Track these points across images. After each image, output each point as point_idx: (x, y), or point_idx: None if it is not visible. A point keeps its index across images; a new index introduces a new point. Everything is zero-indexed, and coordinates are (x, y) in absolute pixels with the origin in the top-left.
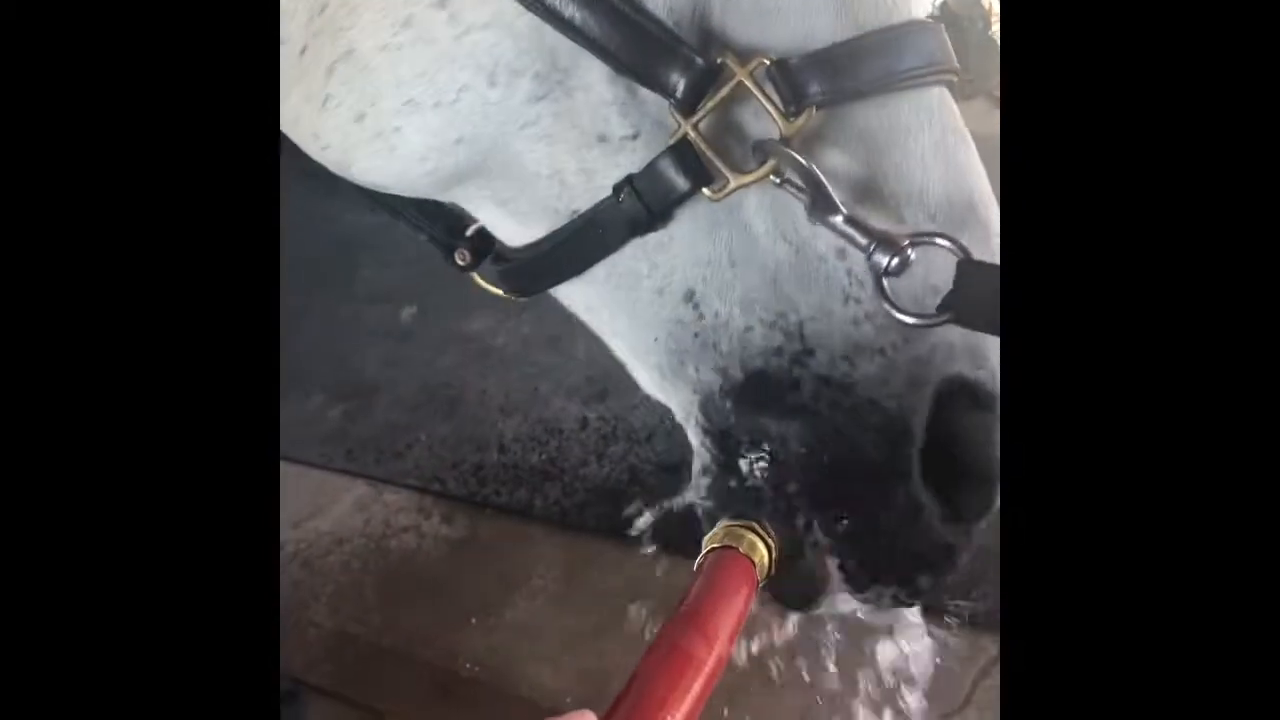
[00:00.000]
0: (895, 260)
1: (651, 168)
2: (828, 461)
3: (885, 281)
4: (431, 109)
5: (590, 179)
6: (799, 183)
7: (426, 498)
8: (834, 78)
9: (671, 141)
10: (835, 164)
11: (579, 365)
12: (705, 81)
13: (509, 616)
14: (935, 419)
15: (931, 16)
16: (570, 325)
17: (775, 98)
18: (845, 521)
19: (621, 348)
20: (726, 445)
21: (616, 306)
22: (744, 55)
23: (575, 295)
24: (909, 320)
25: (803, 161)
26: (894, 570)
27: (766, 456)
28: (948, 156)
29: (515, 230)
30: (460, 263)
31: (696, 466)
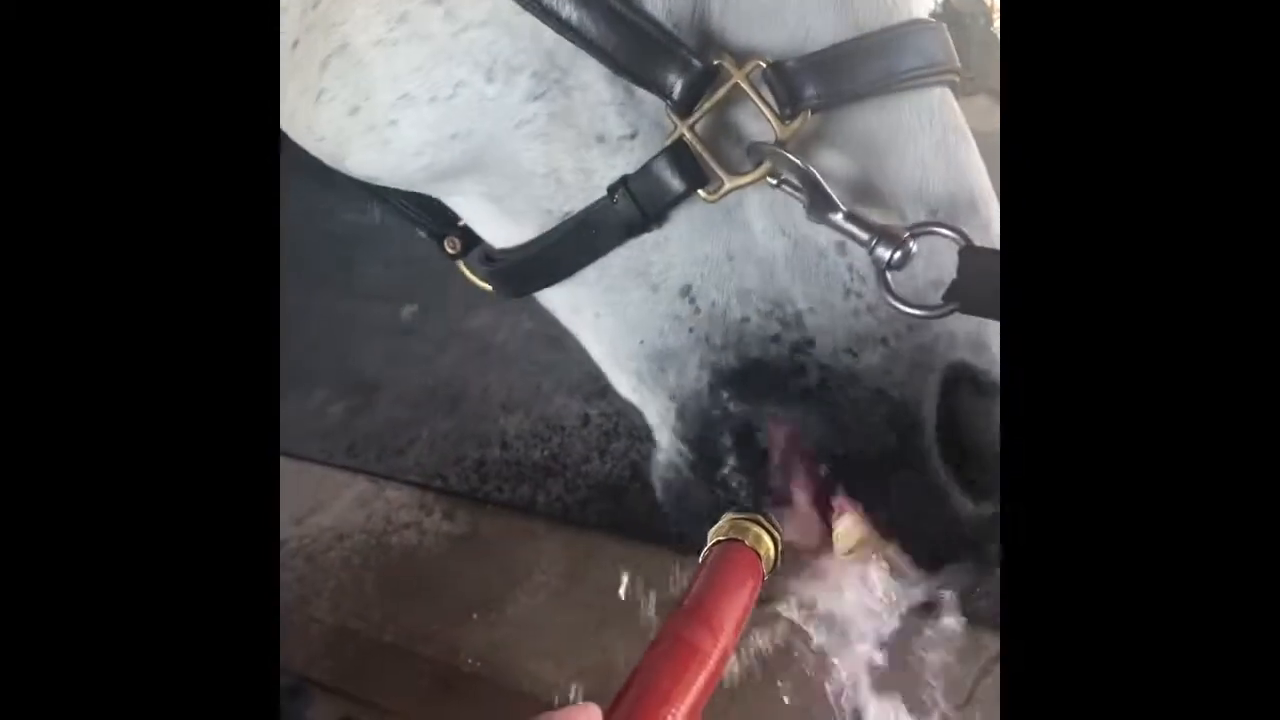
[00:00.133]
0: (897, 254)
1: (647, 169)
2: (843, 453)
3: (889, 275)
4: (427, 104)
5: (587, 179)
6: (796, 183)
7: (428, 494)
8: (831, 80)
9: (667, 143)
10: (834, 164)
11: (581, 362)
12: (702, 83)
13: (511, 612)
14: (941, 406)
15: (934, 14)
16: None
17: (771, 100)
18: (885, 507)
19: (601, 353)
20: (703, 455)
21: (606, 308)
22: (742, 57)
23: (561, 297)
24: (915, 312)
25: (799, 164)
26: (946, 550)
27: (751, 453)
28: (949, 156)
29: (507, 229)
30: (450, 250)
31: (660, 462)
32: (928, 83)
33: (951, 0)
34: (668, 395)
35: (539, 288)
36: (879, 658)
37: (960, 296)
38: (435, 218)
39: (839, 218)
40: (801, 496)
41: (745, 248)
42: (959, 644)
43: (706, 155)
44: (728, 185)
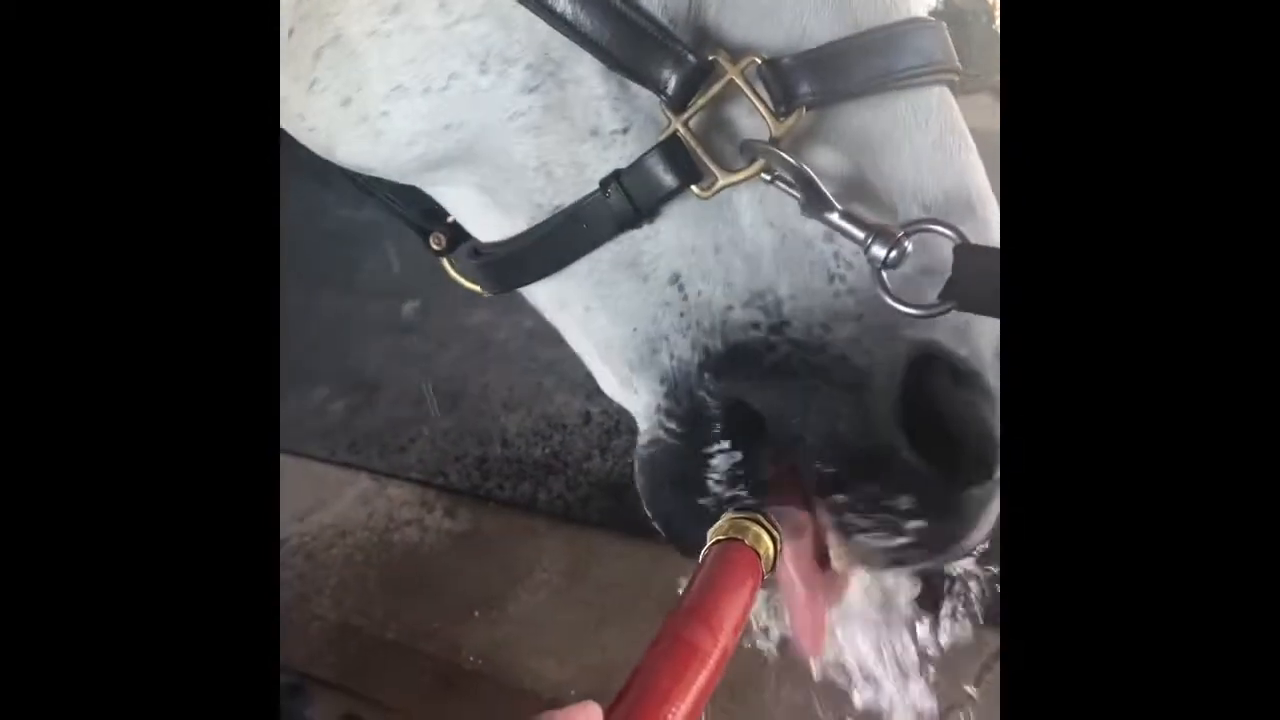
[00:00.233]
0: (893, 252)
1: (640, 164)
2: (803, 415)
3: (884, 274)
4: (420, 95)
5: (579, 173)
6: (790, 180)
7: (430, 491)
8: (826, 78)
9: (661, 138)
10: (828, 162)
11: (581, 360)
12: (696, 79)
13: (512, 610)
14: (916, 391)
15: (935, 11)
16: None
17: (766, 97)
18: (830, 471)
19: (590, 347)
20: (694, 429)
21: (596, 301)
22: (738, 53)
23: (548, 293)
24: (913, 312)
25: (792, 162)
26: (889, 529)
27: (741, 426)
28: (946, 157)
29: (496, 222)
30: (435, 246)
31: (641, 441)
32: (926, 82)
33: None
34: (658, 379)
35: (528, 281)
36: (880, 656)
37: (957, 295)
38: (422, 212)
39: (834, 216)
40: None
41: (733, 240)
42: (960, 640)
43: (700, 151)
44: (721, 182)
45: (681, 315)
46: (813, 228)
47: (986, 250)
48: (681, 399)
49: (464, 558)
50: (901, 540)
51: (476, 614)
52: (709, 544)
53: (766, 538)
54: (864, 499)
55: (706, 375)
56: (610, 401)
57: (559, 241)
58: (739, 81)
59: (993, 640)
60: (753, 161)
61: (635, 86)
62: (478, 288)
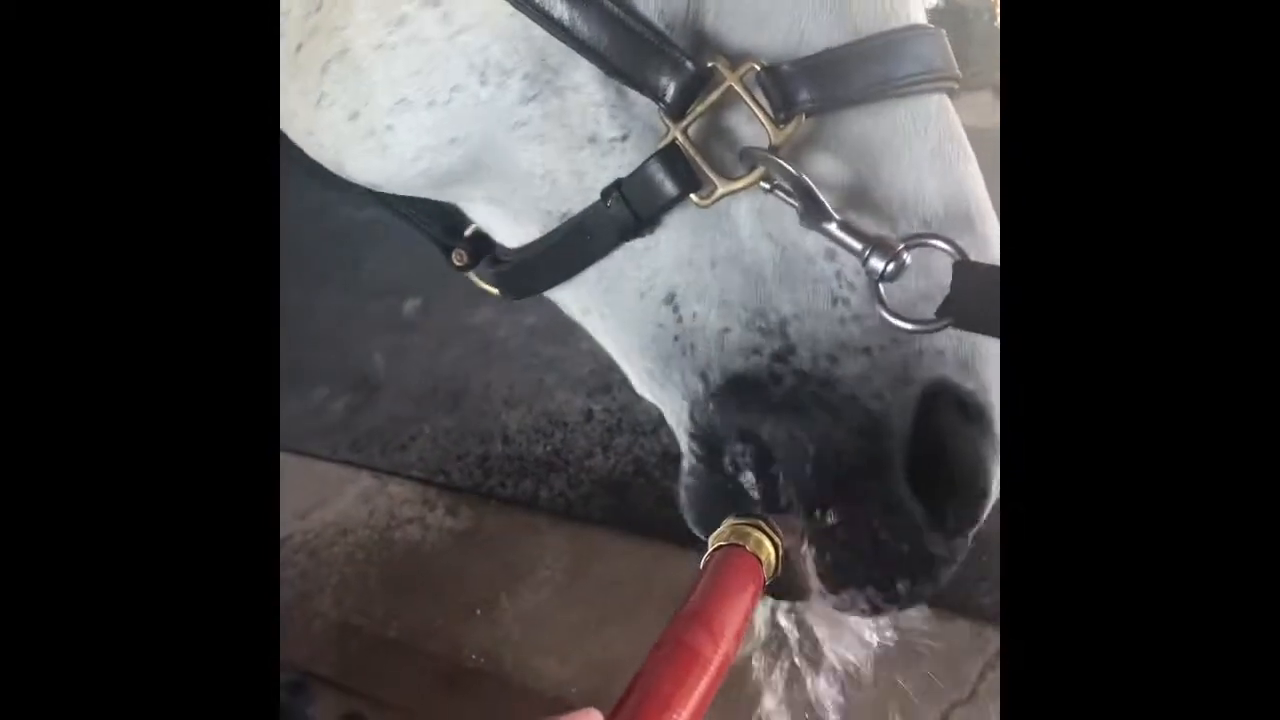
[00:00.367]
0: (891, 265)
1: (640, 172)
2: (810, 457)
3: (881, 287)
4: (425, 108)
5: (580, 181)
6: (789, 189)
7: (431, 489)
8: (826, 85)
9: (660, 146)
10: (828, 171)
11: (583, 358)
12: (695, 86)
13: (514, 608)
14: (923, 426)
15: (936, 9)
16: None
17: (765, 104)
18: (828, 515)
19: (615, 350)
20: (713, 451)
21: (608, 309)
22: (736, 59)
23: (569, 298)
24: (908, 327)
25: (792, 170)
26: (870, 572)
27: (752, 458)
28: (945, 166)
29: (510, 231)
30: (458, 263)
31: (684, 466)
32: (925, 89)
33: None
34: (680, 394)
35: (541, 289)
36: (882, 653)
37: (955, 312)
38: (444, 229)
39: (832, 227)
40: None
41: (731, 254)
42: (963, 639)
43: (699, 159)
44: (720, 190)
45: (675, 339)
46: (813, 243)
47: (987, 268)
48: (699, 419)
49: (465, 556)
50: (879, 587)
51: (478, 612)
52: (710, 549)
53: (768, 543)
54: (859, 539)
55: (711, 405)
56: (612, 399)
57: (567, 250)
58: (738, 88)
59: (996, 638)
60: (752, 169)
61: (633, 94)
62: (500, 295)
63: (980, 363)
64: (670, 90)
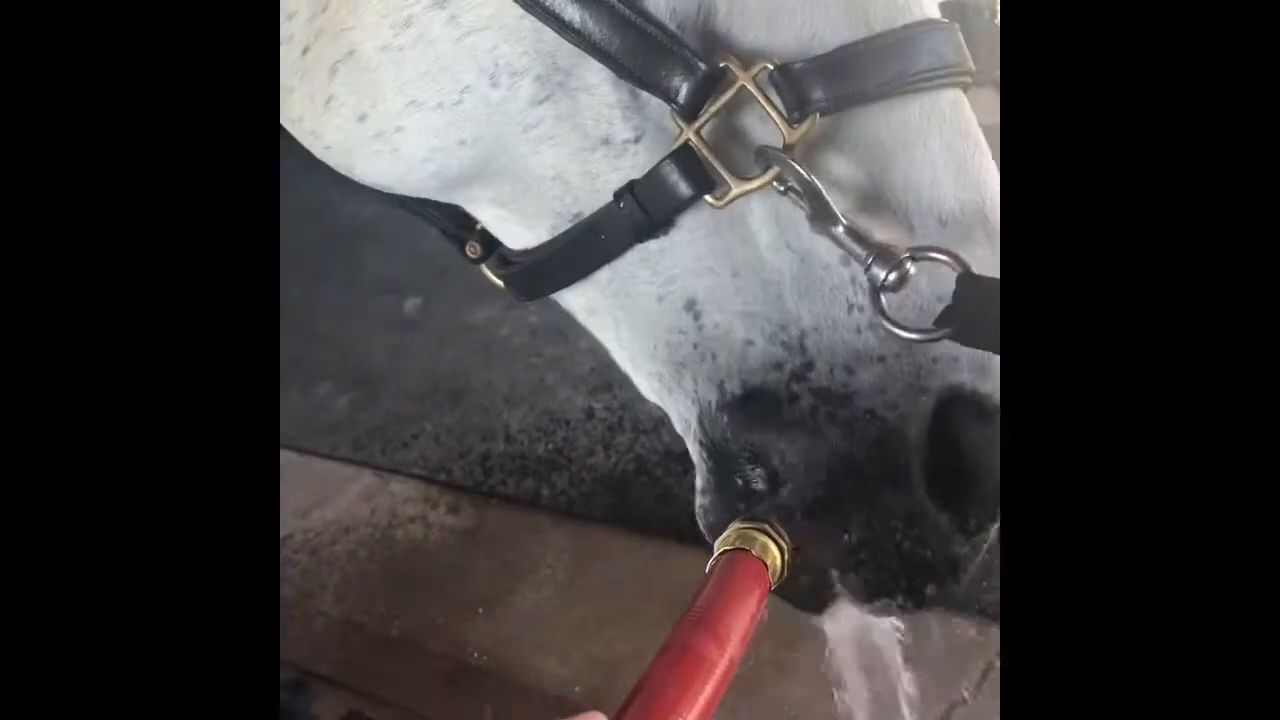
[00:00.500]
0: (894, 275)
1: (654, 173)
2: (828, 476)
3: (883, 296)
4: (434, 109)
5: (593, 182)
6: (800, 190)
7: (433, 488)
8: (839, 83)
9: (674, 147)
10: (842, 170)
11: (585, 356)
12: (708, 86)
13: (516, 606)
14: (940, 430)
15: (940, 4)
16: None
17: (778, 103)
18: (849, 536)
19: (622, 355)
20: (723, 461)
21: (619, 312)
22: (749, 58)
23: (577, 299)
24: (908, 336)
25: (802, 172)
26: (899, 581)
27: (763, 475)
28: (960, 162)
29: (519, 233)
30: (471, 255)
31: (698, 484)
32: (940, 84)
33: None
34: (689, 399)
35: (553, 290)
36: (883, 653)
37: (955, 324)
38: (455, 221)
39: (839, 230)
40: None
41: (751, 264)
42: (966, 637)
43: (713, 160)
44: (735, 191)
45: (695, 347)
46: (828, 249)
47: (990, 281)
48: (709, 429)
49: (467, 554)
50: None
51: (480, 610)
52: (716, 554)
53: (773, 548)
54: (884, 553)
55: (724, 419)
56: (613, 397)
57: (579, 251)
58: (751, 88)
59: (993, 640)
60: (766, 169)
61: (645, 95)
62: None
63: (996, 364)
64: (683, 91)
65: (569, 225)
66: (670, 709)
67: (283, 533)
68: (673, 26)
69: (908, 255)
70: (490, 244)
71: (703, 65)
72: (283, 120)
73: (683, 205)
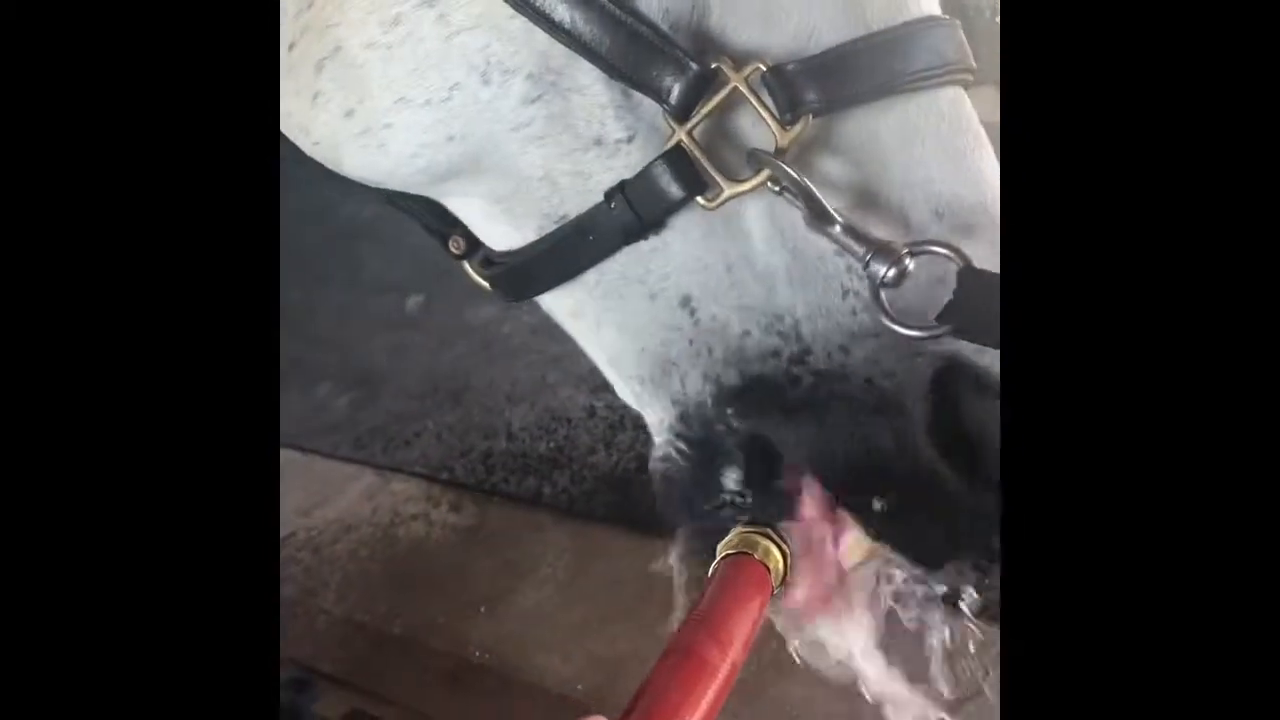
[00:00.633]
0: (893, 271)
1: (645, 174)
2: (838, 451)
3: (883, 293)
4: (423, 106)
5: (583, 182)
6: (796, 192)
7: (435, 486)
8: (833, 84)
9: (665, 148)
10: (838, 168)
11: (585, 354)
12: (700, 87)
13: (518, 604)
14: (941, 401)
15: (940, 2)
16: None
17: (771, 105)
18: (879, 504)
19: (601, 357)
20: (705, 453)
21: (605, 314)
22: (742, 59)
23: (561, 301)
24: (911, 333)
25: (794, 174)
26: (950, 544)
27: (748, 479)
28: (959, 160)
29: (505, 232)
30: (454, 250)
31: (658, 469)
32: (937, 83)
33: None
34: (670, 399)
35: (538, 291)
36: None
37: (955, 319)
38: (439, 217)
39: (836, 230)
40: (808, 513)
41: (745, 259)
42: (970, 637)
43: (705, 161)
44: (727, 193)
45: (690, 343)
46: (824, 241)
47: (991, 275)
48: (693, 424)
49: (469, 552)
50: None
51: (482, 609)
52: (719, 558)
53: (776, 552)
54: (897, 517)
55: (728, 410)
56: (615, 396)
57: (566, 252)
58: (743, 89)
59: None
60: (759, 171)
61: (638, 95)
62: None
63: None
64: (675, 92)
65: (554, 226)
66: (673, 713)
67: (285, 531)
68: (665, 26)
69: (906, 250)
70: (474, 241)
71: (694, 66)
72: None
73: (673, 207)
